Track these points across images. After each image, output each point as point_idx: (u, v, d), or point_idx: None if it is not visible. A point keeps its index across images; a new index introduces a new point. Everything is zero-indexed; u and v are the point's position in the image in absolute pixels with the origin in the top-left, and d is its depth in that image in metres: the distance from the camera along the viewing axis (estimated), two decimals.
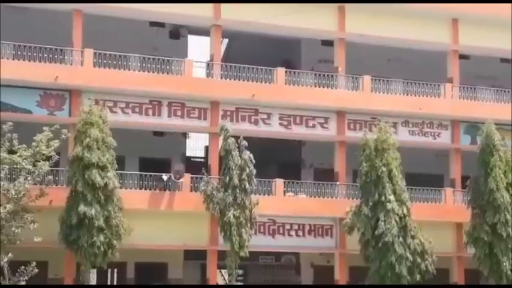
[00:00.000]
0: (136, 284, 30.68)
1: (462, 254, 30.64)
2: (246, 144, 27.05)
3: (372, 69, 31.42)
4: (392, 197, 27.03)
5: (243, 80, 29.40)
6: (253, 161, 27.00)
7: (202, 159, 36.09)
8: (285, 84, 30.04)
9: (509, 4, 32.08)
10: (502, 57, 33.99)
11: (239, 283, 33.87)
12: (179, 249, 29.74)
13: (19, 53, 27.07)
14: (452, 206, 31.11)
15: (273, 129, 30.17)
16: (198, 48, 35.66)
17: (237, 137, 27.14)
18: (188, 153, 36.18)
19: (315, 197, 30.03)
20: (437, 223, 29.76)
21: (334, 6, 31.11)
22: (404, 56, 33.38)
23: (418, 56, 32.99)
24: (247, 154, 26.90)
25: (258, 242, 28.56)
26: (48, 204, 25.31)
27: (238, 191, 26.68)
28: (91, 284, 26.35)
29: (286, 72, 30.18)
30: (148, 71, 28.51)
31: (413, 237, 27.17)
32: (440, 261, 28.08)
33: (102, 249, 24.72)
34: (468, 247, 28.76)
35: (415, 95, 31.41)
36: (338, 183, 30.46)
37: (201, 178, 27.93)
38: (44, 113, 27.40)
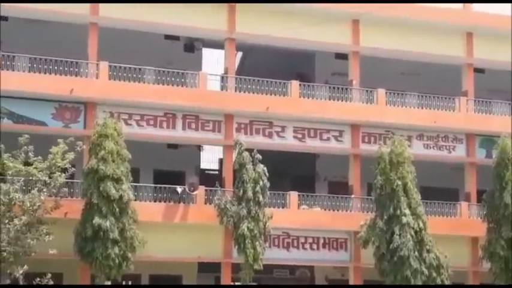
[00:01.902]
0: None
1: (478, 269, 30.43)
2: (260, 157, 27.05)
3: (386, 82, 31.39)
4: (407, 211, 26.93)
5: (257, 93, 29.45)
6: (267, 174, 27.00)
7: (217, 172, 36.08)
8: (299, 97, 30.05)
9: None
10: None
11: None
12: (193, 261, 29.65)
13: (35, 65, 27.25)
14: (468, 220, 30.94)
15: (287, 142, 30.16)
16: (213, 61, 35.73)
17: (251, 150, 27.15)
18: (202, 166, 36.19)
19: (329, 210, 29.94)
20: (452, 237, 29.58)
21: (348, 19, 31.16)
22: (419, 69, 33.37)
23: (433, 69, 32.95)
24: (261, 167, 26.92)
25: (272, 255, 28.53)
26: (63, 216, 25.39)
27: (252, 203, 26.66)
28: None
29: (300, 85, 30.20)
30: (163, 84, 28.62)
31: (428, 251, 27.03)
32: (455, 275, 27.93)
33: (116, 261, 24.69)
34: (484, 262, 28.62)
35: (430, 109, 31.32)
36: (352, 196, 30.38)
37: (216, 191, 27.96)
38: (59, 125, 27.54)
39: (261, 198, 26.83)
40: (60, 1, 27.57)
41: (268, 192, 27.32)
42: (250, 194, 26.69)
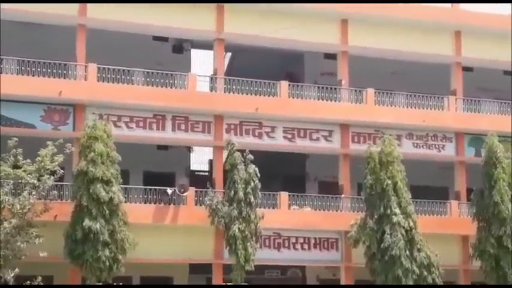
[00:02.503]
0: None
1: (468, 267, 30.48)
2: (252, 158, 27.08)
3: (375, 82, 31.51)
4: (397, 210, 27.01)
5: (247, 94, 29.50)
6: (258, 174, 27.01)
7: (207, 173, 36.14)
8: (289, 97, 30.10)
9: (510, 16, 32.36)
10: (505, 69, 34.07)
11: None
12: (184, 263, 29.69)
13: (23, 68, 27.20)
14: (458, 218, 31.08)
15: (277, 142, 30.21)
16: (202, 62, 35.78)
17: (242, 151, 27.19)
18: (192, 167, 36.23)
19: (319, 210, 30.01)
20: (443, 236, 29.69)
21: (337, 19, 31.27)
22: (408, 68, 33.47)
23: (421, 68, 33.09)
24: (253, 168, 26.93)
25: (264, 255, 28.51)
26: (53, 219, 25.35)
27: (243, 204, 26.66)
28: None
29: (289, 85, 30.26)
30: (152, 85, 28.60)
31: (419, 250, 27.13)
32: (446, 274, 28.03)
33: (107, 263, 24.66)
34: (474, 260, 28.70)
35: (419, 108, 31.43)
36: (343, 196, 30.46)
37: (206, 192, 28.01)
38: (48, 128, 27.48)
39: (252, 199, 26.82)
40: (50, 1, 27.54)
41: (259, 193, 27.33)
42: (241, 194, 26.67)
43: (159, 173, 31.79)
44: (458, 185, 32.12)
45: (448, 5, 32.89)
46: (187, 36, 31.60)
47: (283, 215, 29.28)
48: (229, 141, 27.50)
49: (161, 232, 27.93)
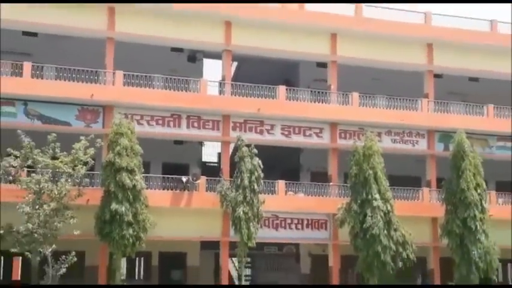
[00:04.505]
0: (159, 270, 30.75)
1: (437, 245, 30.54)
2: (256, 151, 27.07)
3: (359, 87, 31.43)
4: (377, 196, 27.02)
5: (250, 97, 29.46)
6: (261, 166, 27.01)
7: (216, 164, 36.12)
8: (286, 100, 30.05)
9: (476, 30, 32.31)
10: (471, 76, 34.02)
11: (247, 269, 33.92)
12: (196, 240, 29.76)
13: (60, 74, 27.26)
14: (429, 203, 31.03)
15: (276, 138, 30.16)
16: (212, 70, 35.71)
17: (248, 145, 27.18)
18: (204, 159, 36.19)
19: (311, 196, 30.02)
20: (416, 218, 29.71)
21: (327, 33, 31.19)
22: (387, 75, 33.31)
23: (399, 75, 32.94)
24: (257, 160, 26.97)
25: (264, 234, 28.48)
26: (85, 203, 25.39)
27: (247, 191, 26.66)
28: (121, 271, 26.34)
29: (286, 89, 30.20)
30: (170, 89, 28.60)
31: (395, 230, 27.17)
32: (418, 250, 28.03)
33: (131, 240, 24.76)
34: (442, 238, 28.70)
35: (397, 109, 31.35)
36: (331, 184, 30.44)
37: (215, 180, 28.02)
38: (81, 125, 27.51)
39: (255, 186, 26.81)
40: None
41: (262, 181, 27.31)
42: (246, 182, 26.66)
43: (175, 164, 31.76)
44: (429, 175, 32.04)
45: (422, 21, 32.77)
46: (200, 47, 31.51)
47: (280, 200, 29.27)
48: (239, 137, 27.47)
49: (177, 214, 27.96)
